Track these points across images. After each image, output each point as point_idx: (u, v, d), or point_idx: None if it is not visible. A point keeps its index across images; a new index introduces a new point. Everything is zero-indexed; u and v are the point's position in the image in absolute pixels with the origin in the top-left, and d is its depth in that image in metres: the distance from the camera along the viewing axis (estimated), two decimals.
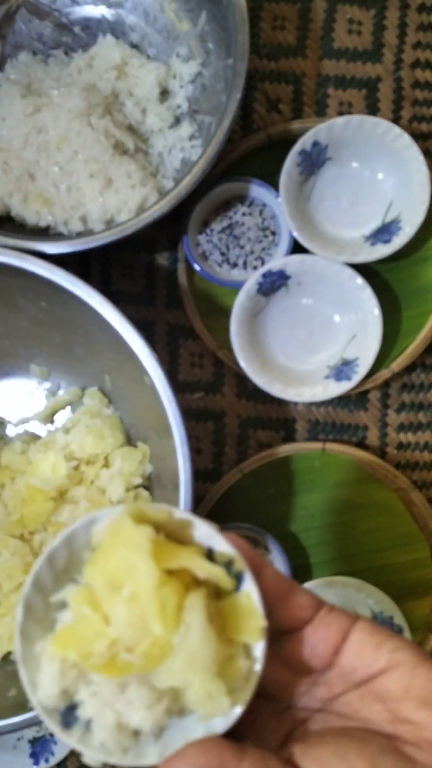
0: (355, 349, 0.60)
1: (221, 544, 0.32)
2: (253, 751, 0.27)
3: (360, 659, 0.28)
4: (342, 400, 0.64)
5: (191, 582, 0.32)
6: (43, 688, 0.32)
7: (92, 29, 0.62)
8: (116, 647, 0.31)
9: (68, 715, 0.32)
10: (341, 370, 0.60)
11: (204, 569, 0.32)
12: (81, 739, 0.32)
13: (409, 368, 0.64)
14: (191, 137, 0.60)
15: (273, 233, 0.62)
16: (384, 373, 0.62)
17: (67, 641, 0.32)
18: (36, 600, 0.32)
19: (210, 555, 0.33)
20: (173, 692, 0.32)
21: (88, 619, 0.31)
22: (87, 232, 0.59)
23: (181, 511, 0.33)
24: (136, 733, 0.32)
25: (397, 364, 0.62)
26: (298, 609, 0.29)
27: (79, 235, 0.59)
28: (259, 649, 0.31)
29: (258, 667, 0.30)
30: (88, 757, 0.31)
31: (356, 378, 0.59)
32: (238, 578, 0.32)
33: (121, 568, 0.31)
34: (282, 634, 0.30)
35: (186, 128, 0.60)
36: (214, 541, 0.32)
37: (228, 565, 0.33)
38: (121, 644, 0.31)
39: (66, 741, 0.31)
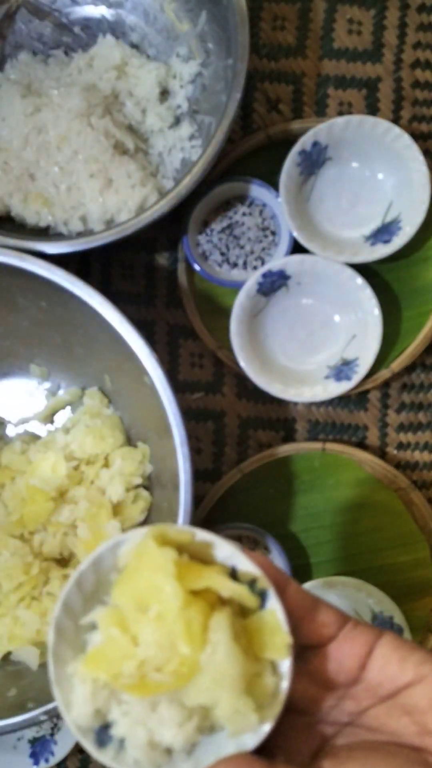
0: (355, 349, 0.60)
1: (244, 563, 0.33)
2: (284, 767, 0.28)
3: (386, 673, 0.29)
4: (342, 400, 0.64)
5: (216, 601, 0.33)
6: (76, 708, 0.33)
7: (92, 29, 0.62)
8: (145, 667, 0.31)
9: (102, 734, 0.33)
10: (341, 370, 0.60)
11: (228, 588, 0.32)
12: (115, 757, 0.32)
13: (409, 368, 0.64)
14: (191, 137, 0.60)
15: (273, 233, 0.62)
16: (384, 373, 0.62)
17: (98, 662, 0.32)
18: (66, 622, 0.33)
19: (233, 574, 0.34)
20: (203, 710, 0.32)
21: (117, 641, 0.32)
22: (87, 232, 0.59)
23: (203, 532, 0.34)
24: (168, 751, 0.33)
25: (397, 364, 0.62)
26: (323, 625, 0.30)
27: (79, 235, 0.59)
28: (285, 665, 0.31)
29: (285, 683, 0.31)
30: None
31: (356, 378, 0.59)
32: (262, 596, 0.33)
33: (148, 590, 0.32)
34: (308, 650, 0.31)
35: (186, 128, 0.60)
36: (237, 560, 0.33)
37: (251, 583, 0.33)
38: (150, 664, 0.31)
39: (101, 760, 0.32)
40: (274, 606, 0.32)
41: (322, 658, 0.30)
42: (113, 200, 0.57)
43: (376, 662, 0.29)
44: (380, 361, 0.61)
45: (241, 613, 0.34)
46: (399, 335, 0.63)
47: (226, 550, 0.33)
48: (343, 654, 0.30)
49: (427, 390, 0.65)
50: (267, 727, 0.31)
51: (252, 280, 0.58)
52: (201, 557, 0.34)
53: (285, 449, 0.62)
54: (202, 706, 0.32)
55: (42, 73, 0.61)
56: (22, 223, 0.59)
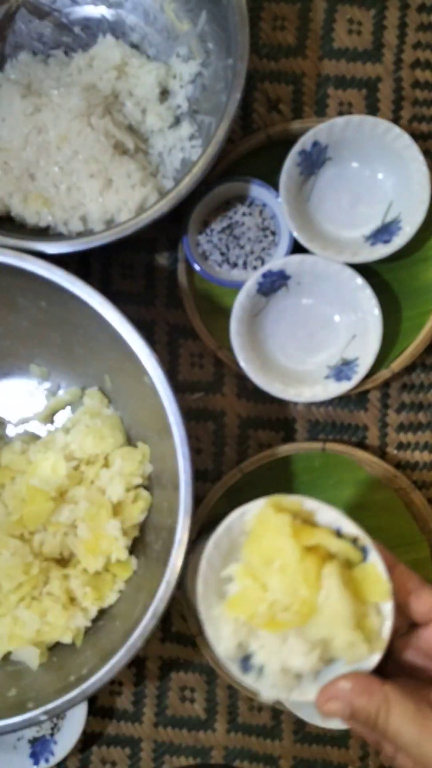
0: (355, 349, 0.60)
1: (347, 525, 0.42)
2: (394, 681, 0.35)
3: None
4: (342, 400, 0.64)
5: (326, 555, 0.41)
6: (224, 642, 0.42)
7: (92, 29, 0.62)
8: (274, 608, 0.40)
9: (245, 663, 0.42)
10: (341, 370, 0.60)
11: (335, 544, 0.41)
12: (256, 681, 0.42)
13: (409, 368, 0.64)
14: (191, 137, 0.60)
15: (273, 233, 0.62)
16: (384, 373, 0.62)
17: (238, 605, 0.41)
18: (210, 576, 0.42)
19: (338, 534, 0.42)
20: (323, 642, 0.41)
21: (251, 588, 0.41)
22: (87, 232, 0.59)
23: (310, 500, 0.43)
24: (298, 676, 0.42)
25: (397, 364, 0.62)
26: (428, 603, 0.37)
27: (79, 235, 0.59)
28: (387, 607, 0.40)
29: (388, 623, 0.39)
30: (263, 695, 0.42)
31: (356, 378, 0.59)
32: (363, 552, 0.42)
33: (271, 548, 0.41)
34: (417, 627, 0.37)
35: (186, 128, 0.60)
36: (340, 523, 0.42)
37: (354, 541, 0.42)
38: (278, 606, 0.40)
39: (245, 683, 0.42)
40: (374, 559, 0.41)
41: (429, 634, 0.35)
42: (113, 200, 0.57)
43: None
44: (380, 361, 0.61)
45: (347, 565, 0.42)
46: (399, 335, 0.63)
47: (331, 515, 0.42)
48: None
49: (427, 390, 0.65)
50: (376, 658, 0.40)
51: (252, 280, 0.58)
52: (310, 521, 0.42)
53: (285, 449, 0.62)
54: (322, 640, 0.41)
55: (42, 73, 0.61)
56: (22, 223, 0.59)
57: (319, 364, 0.62)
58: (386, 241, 0.59)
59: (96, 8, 0.62)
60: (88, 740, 0.65)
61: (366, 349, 0.59)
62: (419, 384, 0.65)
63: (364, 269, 0.59)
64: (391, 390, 0.65)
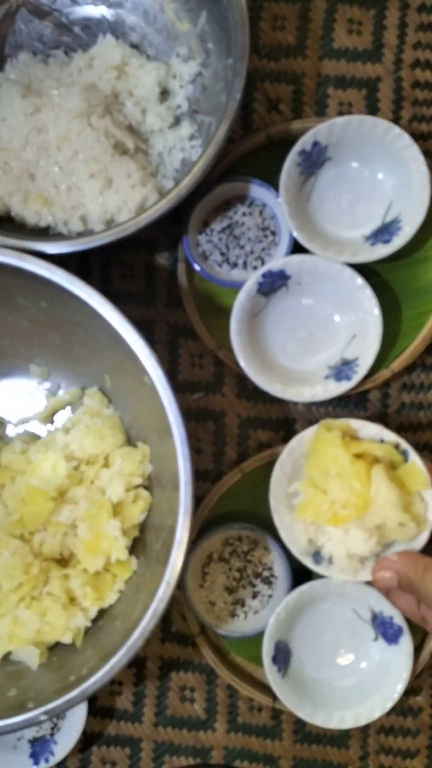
0: (355, 349, 0.60)
1: (388, 435, 0.55)
2: None
3: None
4: (342, 400, 0.64)
5: (373, 460, 0.54)
6: (297, 542, 0.55)
7: (92, 29, 0.62)
8: (335, 506, 0.53)
9: (316, 557, 0.55)
10: (341, 370, 0.60)
11: (379, 449, 0.54)
12: (327, 569, 0.55)
13: (409, 368, 0.64)
14: (191, 137, 0.60)
15: (273, 233, 0.62)
16: (384, 373, 0.62)
17: (305, 509, 0.55)
18: (278, 491, 0.56)
19: (382, 442, 0.55)
20: (379, 529, 0.53)
21: (314, 494, 0.54)
22: (87, 232, 0.59)
23: (355, 420, 0.55)
24: (362, 560, 0.54)
25: (397, 364, 0.62)
26: None
27: (79, 235, 0.59)
28: (429, 494, 0.53)
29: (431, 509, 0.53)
30: (335, 580, 0.55)
31: (356, 378, 0.59)
32: (404, 454, 0.54)
33: (326, 460, 0.53)
34: None
35: (186, 128, 0.60)
36: (383, 434, 0.55)
37: (396, 446, 0.55)
38: (337, 504, 0.53)
39: (318, 572, 0.55)
40: (413, 458, 0.54)
41: None
42: (113, 200, 0.57)
43: None
44: (380, 361, 0.61)
45: (392, 466, 0.54)
46: (399, 335, 0.63)
47: (373, 429, 0.55)
48: None
49: (427, 390, 0.65)
50: (424, 537, 0.53)
51: (252, 280, 0.58)
52: (356, 438, 0.56)
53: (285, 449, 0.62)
54: (378, 526, 0.53)
55: (42, 73, 0.61)
56: (22, 223, 0.59)
57: (319, 364, 0.62)
58: (386, 241, 0.59)
59: (96, 8, 0.62)
60: (88, 740, 0.65)
61: (366, 349, 0.59)
62: (419, 384, 0.65)
63: (364, 269, 0.59)
64: (391, 390, 0.65)
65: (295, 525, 0.55)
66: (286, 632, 0.59)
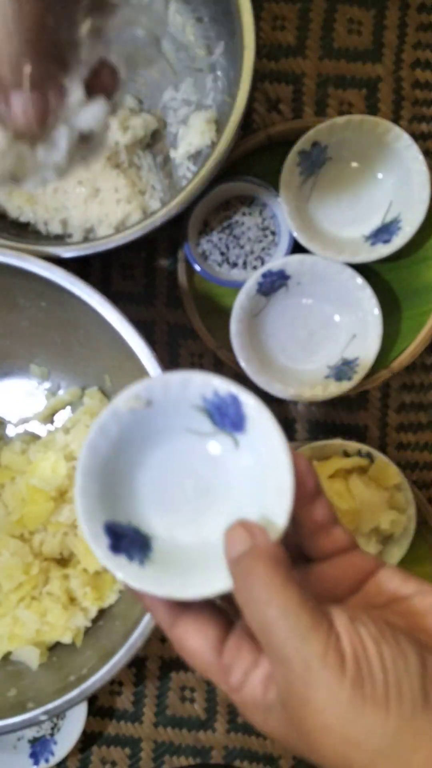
0: (355, 349, 0.60)
1: (348, 445, 0.57)
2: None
3: (386, 587, 0.29)
4: (342, 400, 0.64)
5: (345, 474, 0.57)
6: None
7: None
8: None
9: None
10: (341, 370, 0.60)
11: (346, 463, 0.57)
12: None
13: (409, 368, 0.64)
14: (189, 156, 0.60)
15: (273, 233, 0.62)
16: (384, 373, 0.62)
17: None
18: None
19: (346, 454, 0.57)
20: (374, 531, 0.57)
21: None
22: (66, 236, 0.59)
23: (315, 443, 0.58)
24: None
25: (397, 364, 0.62)
26: (336, 540, 0.31)
27: (57, 238, 0.59)
28: (405, 485, 0.57)
29: (409, 493, 0.57)
30: None
31: (356, 378, 0.59)
32: (369, 456, 0.57)
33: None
34: (312, 562, 0.31)
35: (184, 147, 0.60)
36: (344, 446, 0.57)
37: (359, 452, 0.57)
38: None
39: None
40: (379, 457, 0.57)
41: (329, 568, 0.31)
42: (95, 211, 0.58)
43: (379, 577, 0.30)
44: (380, 361, 0.61)
45: (363, 471, 0.58)
46: (399, 335, 0.63)
47: (336, 443, 0.57)
48: (350, 566, 0.30)
49: (427, 390, 0.65)
50: (412, 525, 0.57)
51: (252, 280, 0.58)
52: (323, 457, 0.58)
53: None
54: (372, 529, 0.55)
55: None
56: (3, 214, 0.59)
57: (319, 364, 0.62)
58: (386, 241, 0.59)
59: None
60: (88, 740, 0.65)
61: (366, 349, 0.59)
62: (419, 384, 0.65)
63: (364, 269, 0.59)
64: (391, 390, 0.65)
65: None
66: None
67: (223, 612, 0.29)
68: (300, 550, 0.31)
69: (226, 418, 0.33)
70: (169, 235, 0.64)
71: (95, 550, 0.30)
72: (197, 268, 0.60)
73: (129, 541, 0.31)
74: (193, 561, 0.31)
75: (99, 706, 0.65)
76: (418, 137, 0.63)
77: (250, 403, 0.31)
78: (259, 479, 0.31)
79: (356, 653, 0.24)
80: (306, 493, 0.30)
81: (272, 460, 0.30)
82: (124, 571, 0.29)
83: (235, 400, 0.32)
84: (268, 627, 0.25)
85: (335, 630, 0.25)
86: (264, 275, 0.58)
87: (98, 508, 0.31)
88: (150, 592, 0.29)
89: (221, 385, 0.32)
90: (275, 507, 0.29)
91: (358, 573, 0.30)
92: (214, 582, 0.28)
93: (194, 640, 0.28)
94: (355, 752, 0.24)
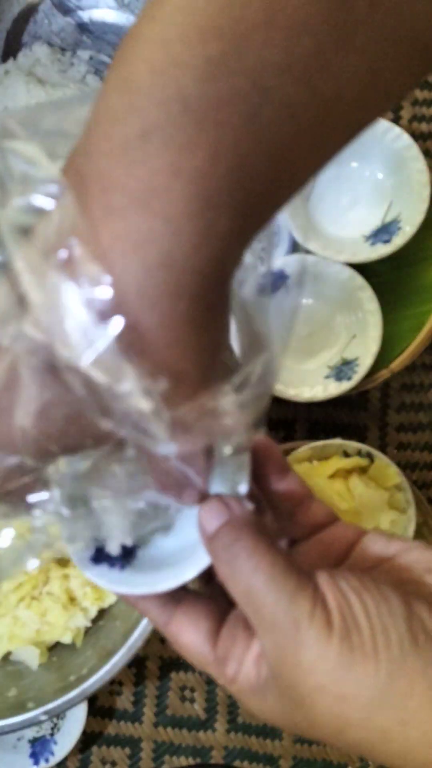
0: (355, 349, 0.60)
1: (348, 445, 0.57)
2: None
3: (371, 550, 0.29)
4: (342, 400, 0.64)
5: (345, 473, 0.57)
6: None
7: (110, 35, 0.62)
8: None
9: None
10: (341, 370, 0.60)
11: (346, 463, 0.57)
12: None
13: (409, 368, 0.64)
14: None
15: (273, 233, 0.62)
16: (384, 373, 0.62)
17: None
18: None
19: (346, 454, 0.58)
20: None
21: None
22: None
23: (313, 443, 0.58)
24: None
25: (397, 364, 0.62)
26: (317, 514, 0.31)
27: None
28: (405, 485, 0.56)
29: (409, 494, 0.56)
30: None
31: (356, 378, 0.59)
32: (368, 456, 0.57)
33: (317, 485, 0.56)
34: (297, 542, 0.31)
35: None
36: (344, 446, 0.57)
37: (359, 452, 0.57)
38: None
39: None
40: (378, 457, 0.56)
41: (313, 544, 0.30)
42: None
43: (363, 543, 0.29)
44: (380, 361, 0.61)
45: (362, 471, 0.58)
46: (399, 335, 0.63)
47: (335, 443, 0.57)
48: (333, 539, 0.30)
49: (427, 390, 0.65)
50: (412, 525, 0.56)
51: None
52: (322, 457, 0.58)
53: (285, 449, 0.62)
54: (373, 529, 0.48)
55: (52, 67, 0.61)
56: None
57: (319, 364, 0.62)
58: (386, 241, 0.59)
59: (119, 14, 0.62)
60: (88, 740, 0.65)
61: (366, 349, 0.59)
62: (419, 384, 0.65)
63: (364, 269, 0.59)
64: (391, 390, 0.65)
65: None
66: None
67: (218, 603, 0.29)
68: (284, 534, 0.31)
69: None
70: None
71: (76, 562, 0.30)
72: None
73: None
74: (173, 557, 0.30)
75: (99, 706, 0.65)
76: (418, 137, 0.63)
77: None
78: (221, 467, 0.30)
79: (341, 607, 0.24)
80: (272, 469, 0.30)
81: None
82: (103, 578, 0.29)
83: None
84: (255, 594, 0.25)
85: (320, 589, 0.25)
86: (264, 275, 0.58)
87: (80, 527, 0.30)
88: (129, 593, 0.29)
89: None
90: (237, 476, 0.29)
91: (343, 544, 0.30)
92: (190, 567, 0.28)
93: (188, 635, 0.28)
94: (351, 708, 0.23)
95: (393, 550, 0.28)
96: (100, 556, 0.30)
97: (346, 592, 0.24)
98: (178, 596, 0.28)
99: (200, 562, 0.28)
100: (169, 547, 0.31)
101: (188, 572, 0.28)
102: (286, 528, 0.31)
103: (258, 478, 0.30)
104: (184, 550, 0.30)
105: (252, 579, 0.25)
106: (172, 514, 0.31)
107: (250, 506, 0.27)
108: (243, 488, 0.28)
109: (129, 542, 0.30)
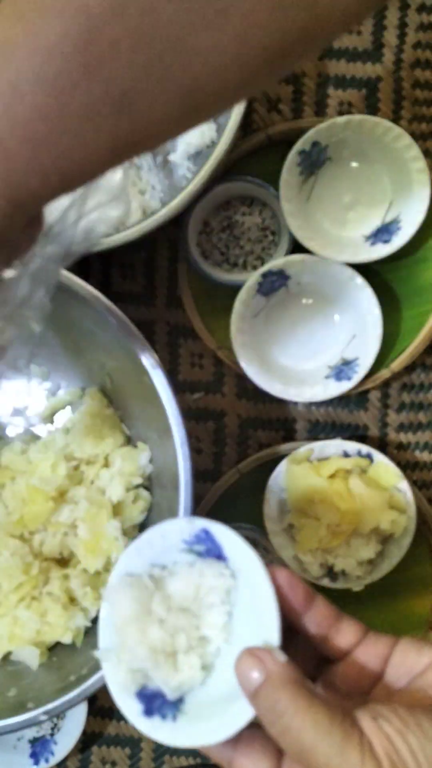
0: (355, 349, 0.60)
1: (349, 445, 0.58)
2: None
3: (405, 665, 0.30)
4: (342, 400, 0.64)
5: (345, 473, 0.57)
6: (308, 570, 0.59)
7: None
8: (331, 528, 0.57)
9: (331, 575, 0.59)
10: (341, 370, 0.60)
11: (346, 463, 0.58)
12: (344, 582, 0.58)
13: (409, 368, 0.64)
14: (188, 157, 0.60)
15: (273, 233, 0.62)
16: (384, 373, 0.62)
17: (307, 541, 0.59)
18: (275, 528, 0.59)
19: (346, 455, 0.58)
20: (375, 531, 0.57)
21: (308, 523, 0.58)
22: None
23: (314, 443, 0.58)
24: (370, 562, 0.58)
25: (397, 364, 0.62)
26: (347, 634, 0.31)
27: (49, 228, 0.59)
28: (404, 484, 0.57)
29: (409, 494, 0.57)
30: (355, 589, 0.57)
31: (356, 378, 0.59)
32: (368, 457, 0.58)
33: (307, 491, 0.57)
34: (333, 663, 0.32)
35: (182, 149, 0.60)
36: (343, 447, 0.58)
37: (359, 452, 0.58)
38: (332, 526, 0.56)
39: (337, 587, 0.59)
40: (378, 457, 0.58)
41: (349, 666, 0.31)
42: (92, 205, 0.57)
43: (395, 659, 0.30)
44: (380, 361, 0.61)
45: (362, 472, 0.58)
46: (399, 335, 0.63)
47: (334, 445, 0.58)
48: (367, 656, 0.31)
49: (427, 390, 0.65)
50: (412, 526, 0.56)
51: (252, 280, 0.58)
52: (322, 457, 0.59)
53: (285, 449, 0.62)
54: (373, 529, 0.56)
55: None
56: None
57: (319, 364, 0.62)
58: (386, 241, 0.59)
59: None
60: (88, 740, 0.65)
61: (366, 349, 0.59)
62: (419, 384, 0.65)
63: (364, 269, 0.59)
64: (391, 390, 0.65)
65: (303, 557, 0.58)
66: None
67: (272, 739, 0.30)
68: (321, 654, 0.32)
69: (210, 551, 0.34)
70: (169, 235, 0.64)
71: (129, 719, 0.32)
72: (197, 268, 0.60)
73: (161, 701, 0.32)
74: (222, 700, 0.32)
75: (99, 706, 0.65)
76: (418, 137, 0.63)
77: (219, 530, 0.33)
78: (251, 602, 0.32)
79: (388, 752, 0.25)
80: (298, 603, 0.31)
81: (252, 578, 0.31)
82: (158, 733, 0.31)
83: (206, 533, 0.34)
84: (306, 752, 0.26)
85: (366, 736, 0.26)
86: (264, 275, 0.58)
87: (128, 679, 0.32)
88: (186, 746, 0.31)
89: (192, 525, 0.34)
90: (269, 625, 0.30)
91: (377, 661, 0.31)
92: (239, 716, 0.30)
93: None
94: None
95: (426, 661, 0.30)
96: (150, 707, 0.32)
97: (391, 737, 0.26)
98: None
99: (247, 711, 0.29)
100: (215, 692, 0.32)
101: (238, 722, 0.30)
102: (323, 650, 0.32)
103: (287, 611, 0.31)
104: (230, 695, 0.31)
105: (300, 736, 0.26)
106: (211, 654, 0.32)
107: (283, 658, 0.28)
108: (275, 641, 0.29)
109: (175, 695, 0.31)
